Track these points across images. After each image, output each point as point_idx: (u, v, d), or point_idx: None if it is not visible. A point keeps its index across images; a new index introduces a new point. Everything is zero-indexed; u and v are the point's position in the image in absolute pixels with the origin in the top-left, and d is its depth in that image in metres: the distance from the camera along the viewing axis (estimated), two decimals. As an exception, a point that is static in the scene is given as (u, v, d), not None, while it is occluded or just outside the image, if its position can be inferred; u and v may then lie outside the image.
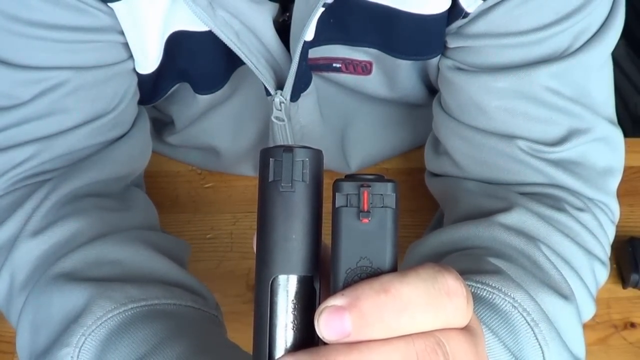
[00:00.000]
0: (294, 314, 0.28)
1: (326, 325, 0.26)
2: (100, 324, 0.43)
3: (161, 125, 0.71)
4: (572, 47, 0.52)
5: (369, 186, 0.27)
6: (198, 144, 0.69)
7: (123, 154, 0.57)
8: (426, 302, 0.26)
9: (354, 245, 0.27)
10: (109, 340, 0.42)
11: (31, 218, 0.50)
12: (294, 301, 0.28)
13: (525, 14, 0.51)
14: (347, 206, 0.27)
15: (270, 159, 0.28)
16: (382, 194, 0.27)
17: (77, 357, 0.42)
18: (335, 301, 0.26)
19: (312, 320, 0.27)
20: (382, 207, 0.27)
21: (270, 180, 0.28)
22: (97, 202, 0.52)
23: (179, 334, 0.43)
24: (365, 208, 0.27)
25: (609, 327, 0.65)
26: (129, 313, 0.44)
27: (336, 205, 0.27)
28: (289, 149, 0.27)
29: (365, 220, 0.27)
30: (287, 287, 0.28)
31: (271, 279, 0.28)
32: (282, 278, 0.28)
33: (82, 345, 0.42)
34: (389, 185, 0.27)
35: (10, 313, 0.51)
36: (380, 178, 0.28)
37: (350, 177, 0.28)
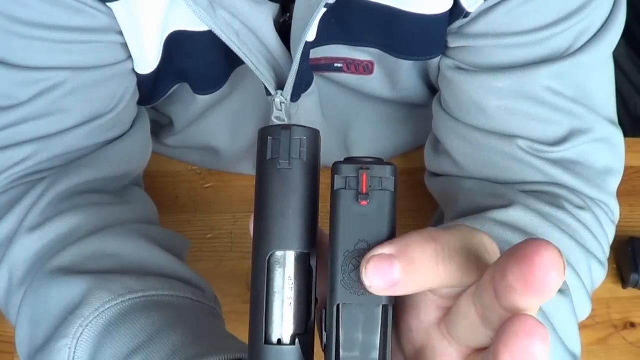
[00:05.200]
0: (290, 291, 0.28)
1: (375, 272, 0.26)
2: (98, 315, 0.43)
3: (159, 128, 0.70)
4: (573, 47, 0.52)
5: (368, 169, 0.27)
6: (197, 144, 0.69)
7: (122, 153, 0.57)
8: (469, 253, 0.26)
9: (352, 228, 0.27)
10: (106, 331, 0.42)
11: (29, 214, 0.50)
12: (291, 278, 0.28)
13: (526, 13, 0.50)
14: (345, 189, 0.27)
15: (269, 137, 0.28)
16: (381, 177, 0.27)
17: (75, 348, 0.42)
18: (384, 250, 0.26)
19: (309, 297, 0.28)
20: (380, 189, 0.27)
21: (268, 158, 0.27)
22: (95, 198, 0.53)
23: (176, 323, 0.43)
24: (364, 190, 0.27)
25: (609, 327, 0.65)
26: (127, 304, 0.44)
27: (335, 188, 0.27)
28: (286, 127, 0.27)
29: (364, 203, 0.27)
30: (284, 264, 0.28)
31: (268, 256, 0.28)
32: (279, 254, 0.28)
33: (79, 336, 0.42)
34: (388, 168, 0.27)
35: (9, 309, 0.51)
36: (379, 161, 0.27)
37: (349, 160, 0.27)
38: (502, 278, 0.24)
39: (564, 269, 0.23)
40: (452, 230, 0.27)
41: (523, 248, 0.24)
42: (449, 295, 0.28)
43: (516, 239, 0.48)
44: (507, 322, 0.24)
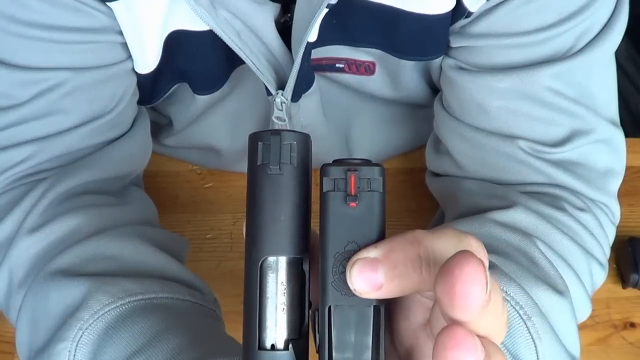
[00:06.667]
0: (283, 296, 0.28)
1: (359, 276, 0.26)
2: (98, 318, 0.43)
3: (158, 128, 0.70)
4: (575, 47, 0.52)
5: (356, 170, 0.27)
6: (197, 144, 0.69)
7: (122, 154, 0.57)
8: None
9: (341, 230, 0.27)
10: (106, 334, 0.42)
11: (29, 216, 0.50)
12: (284, 283, 0.28)
13: (527, 14, 0.50)
14: (334, 190, 0.27)
15: (259, 142, 0.28)
16: (369, 178, 0.27)
17: (75, 351, 0.42)
18: (369, 253, 0.26)
19: (302, 302, 0.28)
20: (369, 190, 0.27)
21: (258, 163, 0.28)
22: (94, 199, 0.52)
23: (175, 326, 0.43)
24: (353, 192, 0.27)
25: (609, 327, 0.65)
26: (126, 307, 0.44)
27: (324, 190, 0.27)
28: (276, 132, 0.28)
29: (353, 204, 0.27)
30: (276, 269, 0.28)
31: (260, 261, 0.28)
32: (271, 260, 0.28)
33: (79, 339, 0.42)
34: (376, 169, 0.27)
35: (9, 311, 0.51)
36: (367, 162, 0.28)
37: (337, 162, 0.28)
38: (434, 290, 0.24)
39: (487, 283, 0.23)
40: (438, 234, 0.27)
41: (448, 260, 0.24)
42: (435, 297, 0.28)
43: (516, 239, 0.48)
44: (439, 332, 0.24)
